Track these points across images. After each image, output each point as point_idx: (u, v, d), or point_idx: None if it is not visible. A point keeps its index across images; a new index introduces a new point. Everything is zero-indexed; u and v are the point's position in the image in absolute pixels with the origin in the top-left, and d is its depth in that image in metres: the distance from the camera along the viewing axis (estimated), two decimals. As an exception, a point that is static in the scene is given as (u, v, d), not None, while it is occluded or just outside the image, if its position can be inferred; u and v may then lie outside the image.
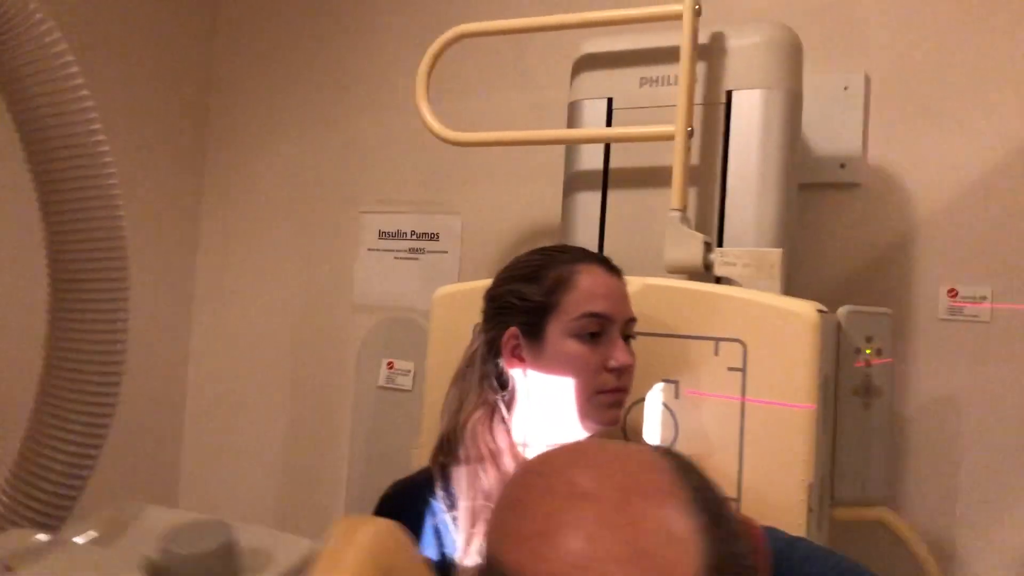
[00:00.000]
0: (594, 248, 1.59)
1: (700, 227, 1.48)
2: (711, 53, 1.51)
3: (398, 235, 2.22)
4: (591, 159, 1.61)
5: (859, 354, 1.36)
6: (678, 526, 0.51)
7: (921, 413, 1.66)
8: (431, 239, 2.18)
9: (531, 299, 1.13)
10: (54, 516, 0.94)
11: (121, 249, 0.84)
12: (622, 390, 1.14)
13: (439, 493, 1.10)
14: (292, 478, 2.29)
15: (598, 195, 1.60)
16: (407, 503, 1.09)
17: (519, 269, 1.17)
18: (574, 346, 1.12)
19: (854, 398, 1.36)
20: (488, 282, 1.48)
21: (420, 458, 1.55)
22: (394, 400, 2.00)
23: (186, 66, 2.42)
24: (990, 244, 1.63)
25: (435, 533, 1.07)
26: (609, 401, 1.14)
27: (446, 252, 2.16)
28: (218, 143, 2.46)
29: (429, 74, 1.69)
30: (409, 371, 1.99)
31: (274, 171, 2.39)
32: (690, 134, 1.46)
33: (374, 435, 2.02)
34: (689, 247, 1.43)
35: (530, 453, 1.15)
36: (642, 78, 1.57)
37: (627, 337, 1.16)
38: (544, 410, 1.13)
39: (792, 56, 1.50)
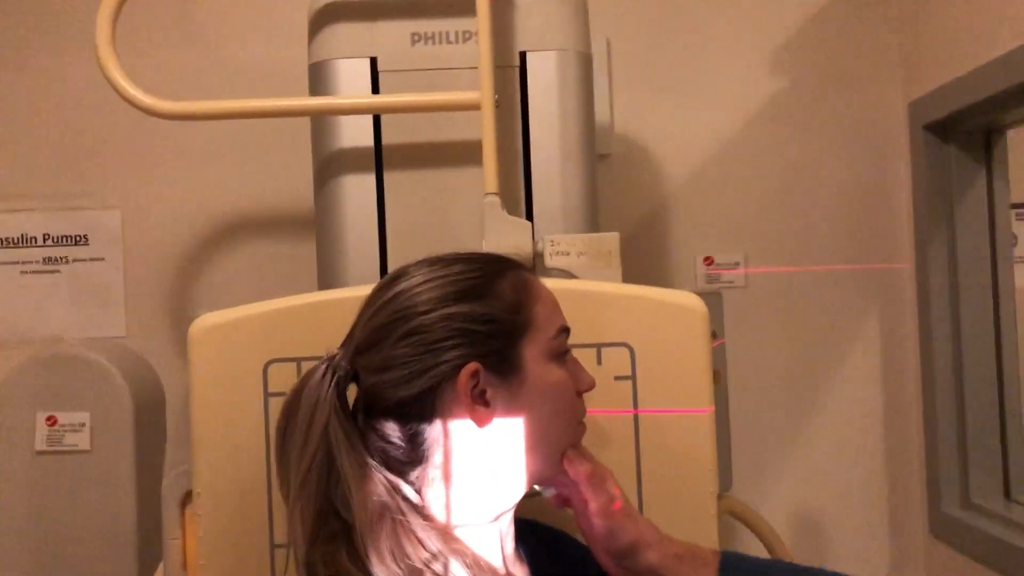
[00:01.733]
0: (375, 244, 1.29)
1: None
2: (496, 7, 1.28)
3: (24, 241, 1.64)
4: (355, 134, 1.30)
5: (700, 339, 1.27)
6: None
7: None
8: (77, 243, 1.64)
9: (493, 318, 0.82)
10: None
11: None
12: None
13: None
14: None
15: (371, 178, 1.29)
16: None
17: (446, 286, 0.84)
18: (557, 372, 0.84)
19: (699, 387, 1.27)
20: (264, 306, 1.11)
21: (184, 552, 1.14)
22: (64, 468, 1.47)
23: None
24: (739, 210, 1.66)
25: None
26: (582, 433, 0.89)
27: (102, 259, 1.65)
28: None
29: (116, 16, 1.22)
30: (83, 425, 1.48)
31: None
32: (497, 103, 1.22)
33: (40, 524, 1.47)
34: (514, 236, 1.21)
35: (467, 533, 0.85)
36: (413, 34, 1.29)
37: None
38: (511, 465, 0.84)
39: (583, 13, 1.34)
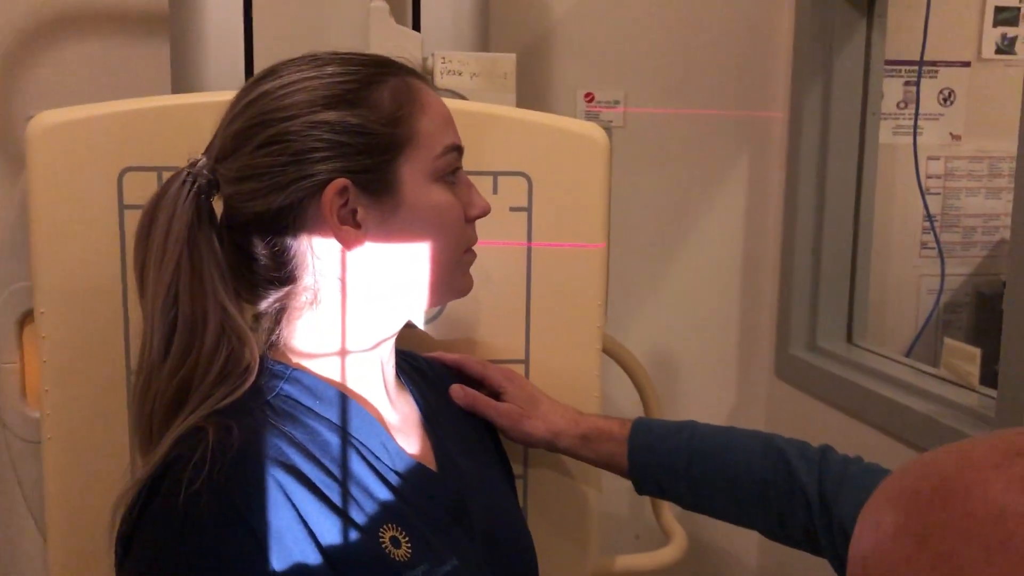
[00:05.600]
0: (239, 49, 1.15)
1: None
2: None
3: None
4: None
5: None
6: None
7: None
8: None
9: (368, 130, 0.73)
10: None
11: None
12: None
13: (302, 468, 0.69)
14: None
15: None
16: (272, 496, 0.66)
17: (316, 89, 0.73)
18: (440, 194, 0.77)
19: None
20: (119, 105, 0.97)
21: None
22: None
23: None
24: (622, 48, 1.60)
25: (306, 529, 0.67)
26: (470, 261, 0.83)
27: (-101, 45, 1.40)
28: None
29: None
30: None
31: None
32: None
33: None
34: (401, 49, 1.10)
35: (354, 363, 0.79)
36: None
37: None
38: (387, 294, 0.78)
39: None
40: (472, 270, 0.85)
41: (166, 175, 0.80)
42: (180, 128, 0.95)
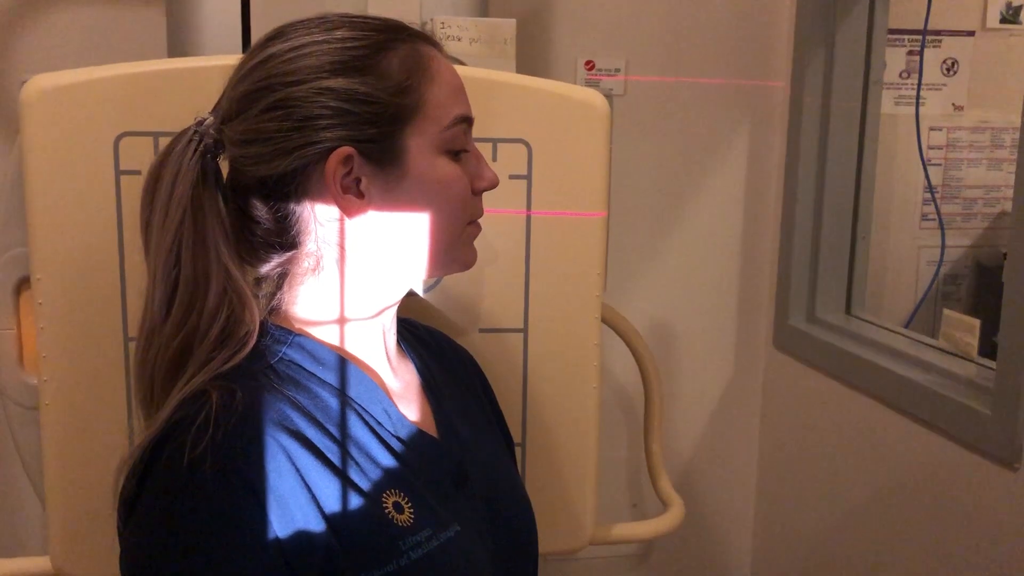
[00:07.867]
0: (236, 13, 1.13)
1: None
2: None
3: None
4: None
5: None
6: None
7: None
8: None
9: (375, 99, 0.72)
10: None
11: None
12: None
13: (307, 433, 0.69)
14: None
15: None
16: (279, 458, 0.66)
17: (324, 54, 0.72)
18: (446, 167, 0.75)
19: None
20: (116, 69, 0.96)
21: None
22: None
23: None
24: (624, 16, 1.58)
25: (310, 494, 0.67)
26: (475, 234, 0.82)
27: None
28: None
29: None
30: None
31: None
32: None
33: None
34: (401, 14, 1.08)
35: (356, 330, 0.79)
36: None
37: None
38: (389, 263, 0.77)
39: None
40: (477, 243, 0.84)
41: (163, 141, 0.79)
42: (177, 93, 0.94)
